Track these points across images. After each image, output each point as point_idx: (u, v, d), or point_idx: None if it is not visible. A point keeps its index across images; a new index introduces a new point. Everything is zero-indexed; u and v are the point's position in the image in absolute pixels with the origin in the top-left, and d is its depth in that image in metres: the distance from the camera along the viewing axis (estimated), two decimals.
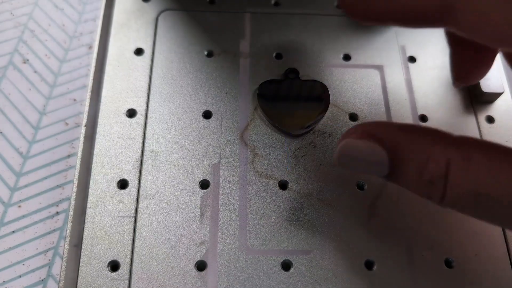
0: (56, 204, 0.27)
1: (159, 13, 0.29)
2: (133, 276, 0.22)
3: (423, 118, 0.27)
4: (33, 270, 0.25)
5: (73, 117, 0.29)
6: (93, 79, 0.27)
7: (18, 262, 0.25)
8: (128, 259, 0.22)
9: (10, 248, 0.25)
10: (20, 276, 0.25)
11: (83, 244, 0.23)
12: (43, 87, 0.30)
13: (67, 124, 0.29)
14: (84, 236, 0.23)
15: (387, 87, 0.28)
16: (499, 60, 0.29)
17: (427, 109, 0.27)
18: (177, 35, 0.29)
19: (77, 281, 0.22)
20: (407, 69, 0.29)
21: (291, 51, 0.29)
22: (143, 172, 0.24)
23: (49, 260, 0.25)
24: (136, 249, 0.23)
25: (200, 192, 0.24)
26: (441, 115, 0.27)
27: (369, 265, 0.23)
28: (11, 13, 0.33)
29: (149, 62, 0.28)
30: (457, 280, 0.23)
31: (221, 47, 0.28)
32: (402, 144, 0.17)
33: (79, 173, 0.24)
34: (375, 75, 0.28)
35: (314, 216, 0.24)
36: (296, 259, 0.23)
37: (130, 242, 0.23)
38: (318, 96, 0.27)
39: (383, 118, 0.27)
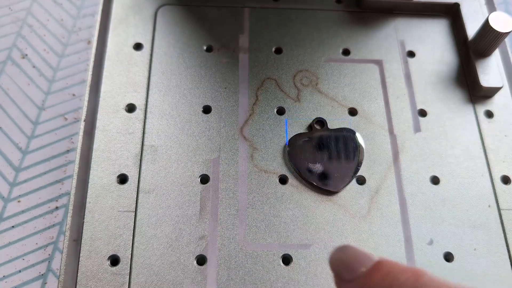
0: (56, 199, 0.27)
1: (158, 8, 0.29)
2: (133, 270, 0.22)
3: (422, 112, 0.27)
4: (33, 265, 0.25)
5: (72, 112, 0.29)
6: (92, 74, 0.27)
7: (18, 257, 0.25)
8: (128, 254, 0.22)
9: (10, 243, 0.25)
10: (20, 271, 0.25)
11: (83, 238, 0.23)
12: (42, 82, 0.30)
13: (66, 119, 0.29)
14: (83, 230, 0.23)
15: (386, 81, 0.28)
16: (497, 55, 0.29)
17: (426, 104, 0.27)
18: (176, 30, 0.29)
19: (77, 276, 0.22)
20: (406, 64, 0.29)
21: (290, 46, 0.29)
22: (143, 167, 0.24)
23: (49, 255, 0.25)
24: (136, 244, 0.23)
25: (200, 186, 0.24)
26: (440, 110, 0.27)
27: None
28: (10, 8, 0.33)
29: (148, 57, 0.28)
30: (456, 274, 0.23)
31: (220, 42, 0.28)
32: None
33: (79, 168, 0.24)
34: (374, 69, 0.28)
35: (313, 210, 0.24)
36: (295, 253, 0.23)
37: (130, 237, 0.23)
38: (350, 145, 0.25)
39: (382, 112, 0.27)
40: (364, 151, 0.26)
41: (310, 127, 0.26)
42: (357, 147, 0.25)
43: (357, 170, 0.25)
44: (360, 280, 0.18)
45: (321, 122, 0.26)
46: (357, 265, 0.18)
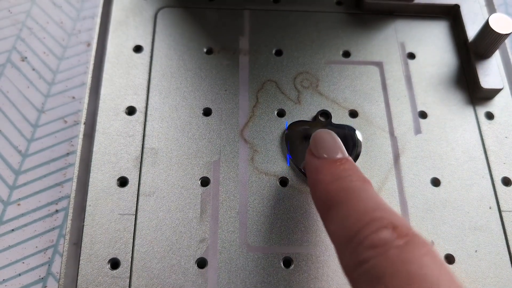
0: (56, 202, 0.26)
1: (158, 10, 0.29)
2: (134, 273, 0.22)
3: (423, 114, 0.27)
4: (32, 269, 0.25)
5: (72, 114, 0.29)
6: (92, 77, 0.26)
7: (17, 261, 0.25)
8: (128, 257, 0.22)
9: (10, 247, 0.25)
10: (19, 275, 0.25)
11: (83, 242, 0.23)
12: (41, 84, 0.30)
13: (66, 122, 0.29)
14: (84, 234, 0.23)
15: (386, 83, 0.28)
16: (498, 56, 0.29)
17: (426, 106, 0.27)
18: (176, 32, 0.29)
19: (77, 279, 0.22)
20: (406, 66, 0.29)
21: (291, 48, 0.29)
22: (143, 170, 0.24)
23: (49, 258, 0.25)
24: (136, 247, 0.23)
25: (200, 189, 0.24)
26: (441, 112, 0.27)
27: None
28: (9, 10, 0.33)
29: (148, 59, 0.28)
30: (457, 276, 0.23)
31: (220, 44, 0.28)
32: None
33: (79, 171, 0.24)
34: (374, 71, 0.28)
35: (314, 212, 0.24)
36: (296, 255, 0.23)
37: (130, 240, 0.23)
38: (348, 141, 0.25)
39: (383, 114, 0.27)
40: (365, 152, 0.26)
41: (315, 117, 0.26)
42: (355, 142, 0.25)
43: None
44: (322, 161, 0.21)
45: (325, 114, 0.26)
46: (326, 149, 0.21)
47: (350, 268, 0.17)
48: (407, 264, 0.16)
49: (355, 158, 0.25)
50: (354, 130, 0.26)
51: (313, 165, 0.21)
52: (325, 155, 0.21)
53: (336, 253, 0.18)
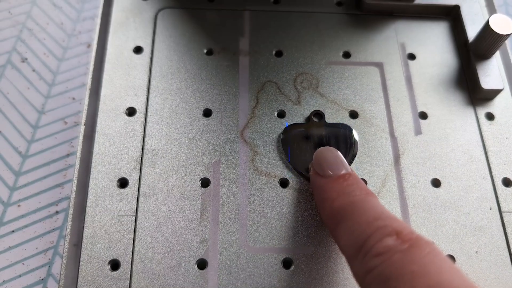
0: (56, 203, 0.27)
1: (158, 11, 0.29)
2: (134, 275, 0.22)
3: (423, 115, 0.27)
4: (33, 270, 0.25)
5: (72, 116, 0.29)
6: (92, 78, 0.27)
7: (18, 262, 0.25)
8: (128, 258, 0.22)
9: (10, 248, 0.25)
10: (20, 276, 0.25)
11: (83, 243, 0.23)
12: (41, 86, 0.30)
13: (66, 123, 0.29)
14: (84, 235, 0.23)
15: (387, 84, 0.28)
16: (498, 57, 0.29)
17: (427, 106, 0.27)
18: (176, 33, 0.29)
19: (77, 280, 0.22)
20: (406, 66, 0.29)
21: (291, 49, 0.29)
22: (143, 171, 0.24)
23: (49, 259, 0.25)
24: (136, 248, 0.23)
25: (201, 190, 0.24)
26: (441, 112, 0.27)
27: None
28: (9, 11, 0.33)
29: (148, 60, 0.28)
30: None
31: (220, 45, 0.28)
32: None
33: (79, 172, 0.24)
34: (375, 72, 0.28)
35: (314, 214, 0.24)
36: (296, 256, 0.23)
37: (131, 241, 0.23)
38: (345, 139, 0.26)
39: (383, 115, 0.27)
40: (365, 153, 0.26)
41: (308, 119, 0.26)
42: (352, 142, 0.25)
43: (350, 163, 0.25)
44: (327, 179, 0.22)
45: (319, 114, 0.26)
46: (330, 168, 0.22)
47: (361, 277, 0.18)
48: (410, 265, 0.16)
49: (352, 158, 0.25)
50: (351, 130, 0.26)
51: (318, 184, 0.22)
52: (330, 173, 0.22)
53: (348, 265, 0.19)
